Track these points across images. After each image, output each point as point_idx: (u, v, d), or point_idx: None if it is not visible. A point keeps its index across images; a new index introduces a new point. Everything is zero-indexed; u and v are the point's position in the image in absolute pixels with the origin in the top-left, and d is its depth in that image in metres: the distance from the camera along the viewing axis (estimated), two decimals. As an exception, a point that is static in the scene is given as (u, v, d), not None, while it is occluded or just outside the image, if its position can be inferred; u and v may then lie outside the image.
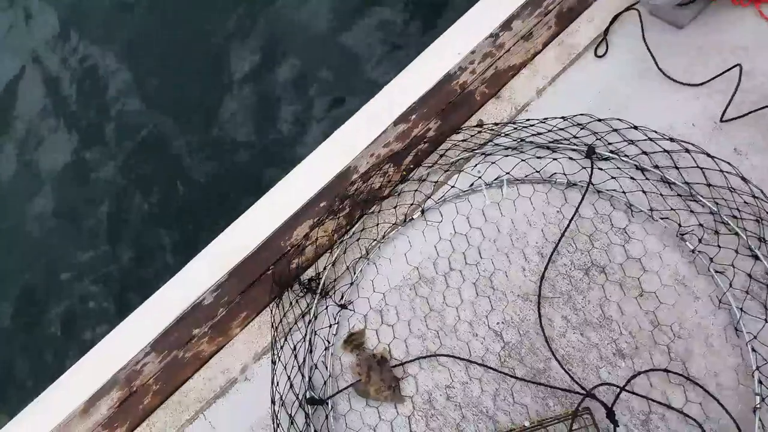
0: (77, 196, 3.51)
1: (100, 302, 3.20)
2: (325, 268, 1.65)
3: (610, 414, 1.35)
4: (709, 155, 1.50)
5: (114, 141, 3.53)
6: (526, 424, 1.41)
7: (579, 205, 1.53)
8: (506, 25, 1.80)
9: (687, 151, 1.52)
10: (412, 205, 1.66)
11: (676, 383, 1.38)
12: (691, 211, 1.49)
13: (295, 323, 1.61)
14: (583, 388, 1.37)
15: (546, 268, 1.52)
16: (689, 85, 1.62)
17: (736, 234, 1.45)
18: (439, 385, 1.49)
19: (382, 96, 1.78)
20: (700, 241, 1.45)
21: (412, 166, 1.67)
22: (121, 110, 3.60)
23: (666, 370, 1.38)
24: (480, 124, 1.66)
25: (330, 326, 1.59)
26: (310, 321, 1.60)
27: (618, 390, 1.36)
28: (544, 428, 1.39)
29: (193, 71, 3.59)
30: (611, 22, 1.76)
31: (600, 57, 1.75)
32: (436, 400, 1.48)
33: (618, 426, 1.33)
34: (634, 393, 1.38)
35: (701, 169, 1.51)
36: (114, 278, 3.22)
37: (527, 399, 1.44)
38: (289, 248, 1.68)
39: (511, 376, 1.45)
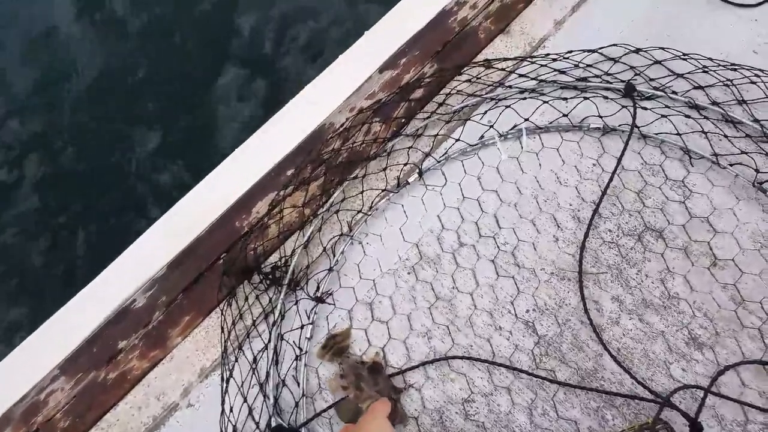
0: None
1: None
2: (293, 252, 1.21)
3: (695, 427, 0.95)
4: (784, 83, 1.17)
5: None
6: (578, 446, 1.01)
7: (622, 155, 1.15)
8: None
9: (753, 81, 1.19)
10: (406, 165, 1.25)
11: (778, 379, 1.00)
12: (767, 155, 1.15)
13: (254, 326, 1.17)
14: (651, 392, 0.98)
15: (586, 236, 1.12)
16: (744, 5, 1.30)
17: (830, 180, 1.10)
18: (454, 400, 1.07)
19: (365, 40, 1.39)
20: (785, 190, 1.10)
21: (404, 120, 1.29)
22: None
23: (763, 362, 1.01)
24: (487, 64, 1.30)
25: (302, 327, 1.15)
26: (275, 322, 1.16)
27: (703, 393, 0.98)
28: (606, 451, 0.99)
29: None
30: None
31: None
32: (450, 420, 1.06)
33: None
34: (721, 396, 0.99)
35: (775, 101, 1.17)
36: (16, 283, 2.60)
37: (575, 412, 1.03)
38: (247, 229, 1.27)
39: (552, 381, 1.04)
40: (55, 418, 1.17)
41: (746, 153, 1.13)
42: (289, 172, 1.29)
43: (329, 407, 1.06)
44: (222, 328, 1.18)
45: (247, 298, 1.19)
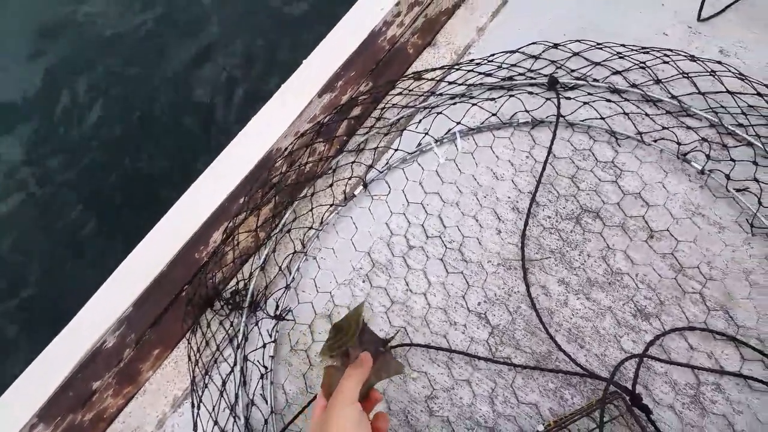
0: None
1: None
2: (251, 275, 1.20)
3: (635, 399, 0.94)
4: (694, 58, 1.17)
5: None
6: (540, 429, 0.98)
7: (551, 144, 1.15)
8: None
9: (665, 61, 1.20)
10: (351, 179, 1.25)
11: (724, 339, 0.99)
12: (688, 128, 1.14)
13: (218, 351, 1.15)
14: (584, 370, 0.97)
15: (526, 225, 1.12)
16: (650, -7, 1.33)
17: (749, 144, 1.11)
18: (417, 398, 1.05)
19: (303, 68, 1.41)
20: (708, 158, 1.10)
21: (345, 137, 1.30)
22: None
23: (706, 330, 1.00)
24: (417, 76, 1.31)
25: (264, 346, 1.12)
26: (239, 345, 1.14)
27: (637, 361, 0.96)
28: (565, 429, 0.97)
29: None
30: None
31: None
32: (416, 419, 1.03)
33: (651, 413, 0.91)
34: (671, 363, 0.97)
35: (688, 77, 1.18)
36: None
37: (535, 395, 1.01)
38: (206, 259, 1.26)
39: (502, 363, 1.02)
40: (35, 465, 1.15)
41: (668, 128, 1.14)
42: (242, 200, 1.29)
43: (300, 412, 1.05)
44: (189, 357, 1.16)
45: (209, 325, 1.18)
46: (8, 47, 3.21)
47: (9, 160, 2.88)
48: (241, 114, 2.73)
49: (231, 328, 1.16)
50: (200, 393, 1.13)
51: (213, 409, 1.10)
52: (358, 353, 0.74)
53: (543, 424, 0.96)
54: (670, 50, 1.18)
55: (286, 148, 1.30)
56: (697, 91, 1.15)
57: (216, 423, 1.07)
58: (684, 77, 1.17)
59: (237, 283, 1.20)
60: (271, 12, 3.01)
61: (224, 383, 1.12)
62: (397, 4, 1.41)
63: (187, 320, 1.20)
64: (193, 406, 1.11)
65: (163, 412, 1.15)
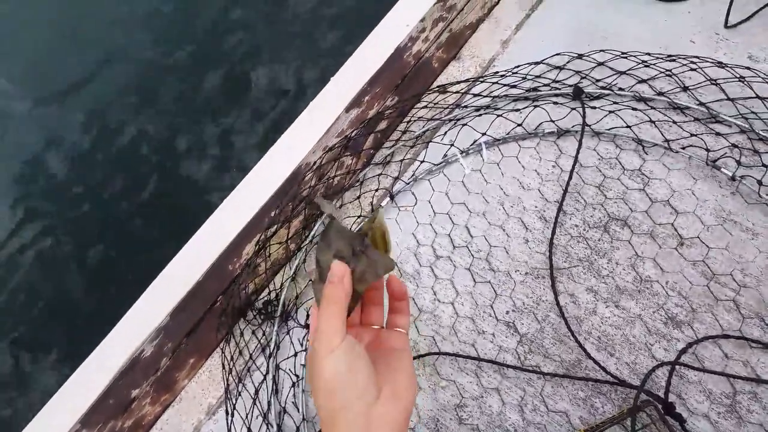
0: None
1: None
2: (282, 286, 1.25)
3: (668, 408, 0.93)
4: (721, 65, 1.18)
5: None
6: (571, 438, 0.99)
7: (577, 153, 1.16)
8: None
9: (692, 68, 1.21)
10: (377, 191, 1.29)
11: (760, 347, 0.98)
12: (717, 134, 1.15)
13: (251, 360, 1.20)
14: (614, 378, 0.97)
15: (553, 234, 1.14)
16: (674, 0, 1.34)
17: (781, 148, 1.10)
18: (447, 407, 1.07)
19: (331, 85, 1.47)
20: (739, 164, 1.10)
21: (372, 150, 1.34)
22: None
23: (741, 338, 0.99)
24: (443, 89, 1.35)
25: (296, 354, 1.16)
26: (271, 354, 1.18)
27: (669, 369, 0.96)
28: (596, 437, 0.97)
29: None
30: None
31: (566, -8, 1.45)
32: (446, 428, 1.04)
33: (685, 422, 0.91)
34: (704, 370, 0.97)
35: (716, 83, 1.18)
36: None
37: (564, 403, 1.01)
38: (239, 271, 1.31)
39: (531, 371, 1.03)
40: (77, 470, 1.21)
41: (696, 135, 1.14)
42: (273, 213, 1.34)
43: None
44: (223, 366, 1.21)
45: (242, 334, 1.22)
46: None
47: (57, 173, 3.06)
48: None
49: (263, 337, 1.20)
50: (234, 401, 1.17)
51: (246, 417, 1.14)
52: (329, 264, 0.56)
53: (573, 433, 0.97)
54: (697, 57, 1.19)
55: (314, 163, 1.35)
56: (726, 98, 1.15)
57: (249, 430, 1.11)
58: (712, 84, 1.18)
59: (269, 293, 1.25)
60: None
61: (257, 391, 1.16)
62: (422, 20, 1.46)
63: (221, 330, 1.25)
64: (227, 413, 1.15)
65: (199, 419, 1.20)
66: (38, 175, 3.10)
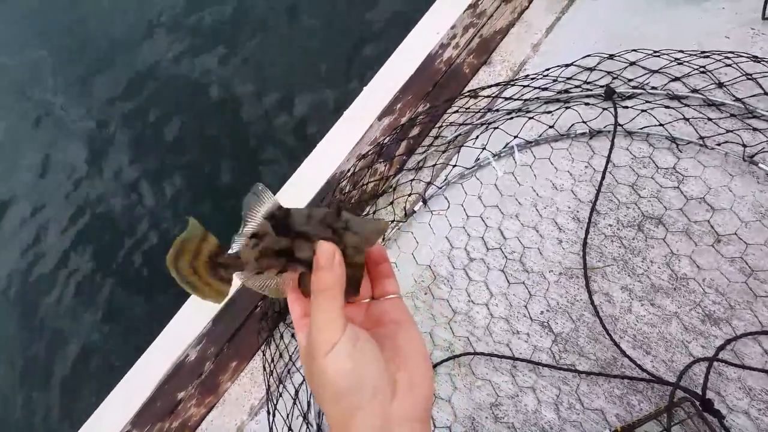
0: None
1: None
2: (320, 289, 1.33)
3: (705, 404, 0.95)
4: (757, 59, 1.19)
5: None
6: (608, 435, 1.01)
7: (610, 152, 1.20)
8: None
9: (728, 64, 1.22)
10: (411, 195, 1.35)
11: (802, 343, 0.99)
12: (755, 129, 1.16)
13: (291, 361, 1.27)
14: (651, 376, 0.99)
15: (587, 233, 1.17)
16: (707, -2, 1.36)
17: (821, 142, 1.11)
18: (483, 405, 1.11)
19: (364, 94, 1.55)
20: (776, 159, 1.12)
21: (404, 156, 1.40)
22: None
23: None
24: (474, 94, 1.40)
25: (334, 356, 1.25)
26: (310, 355, 1.27)
27: (707, 365, 0.98)
28: (633, 434, 0.99)
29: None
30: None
31: (596, -5, 1.49)
32: (482, 426, 1.09)
33: (724, 418, 0.92)
34: (743, 367, 0.98)
35: (752, 78, 1.20)
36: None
37: (600, 401, 1.04)
38: (278, 276, 1.39)
39: (566, 369, 1.06)
40: (129, 469, 1.30)
41: (732, 131, 1.16)
42: (310, 220, 1.41)
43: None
44: (264, 368, 1.29)
45: (282, 337, 1.30)
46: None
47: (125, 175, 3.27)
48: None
49: (302, 339, 1.27)
50: (275, 402, 1.24)
51: (287, 417, 1.21)
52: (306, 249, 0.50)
53: (610, 430, 1.00)
54: (732, 52, 1.21)
55: (348, 170, 1.42)
56: (762, 92, 1.17)
57: (290, 429, 1.18)
58: (748, 79, 1.19)
59: (307, 296, 1.31)
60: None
61: (297, 392, 1.23)
62: (452, 27, 1.52)
63: (262, 333, 1.32)
64: (268, 413, 1.22)
65: (242, 420, 1.27)
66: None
